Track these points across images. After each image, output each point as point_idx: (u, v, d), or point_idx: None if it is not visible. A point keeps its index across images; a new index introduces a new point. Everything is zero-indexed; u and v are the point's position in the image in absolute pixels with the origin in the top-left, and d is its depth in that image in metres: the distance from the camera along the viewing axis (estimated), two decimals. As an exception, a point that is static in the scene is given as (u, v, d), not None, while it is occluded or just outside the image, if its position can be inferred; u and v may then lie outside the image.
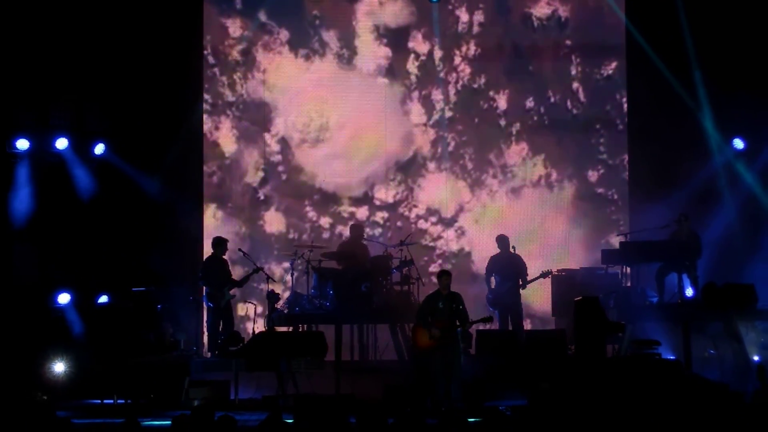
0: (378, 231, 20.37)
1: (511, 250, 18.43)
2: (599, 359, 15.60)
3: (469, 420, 11.21)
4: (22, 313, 18.26)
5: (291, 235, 20.34)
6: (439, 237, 20.58)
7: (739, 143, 19.66)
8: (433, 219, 20.60)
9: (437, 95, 20.63)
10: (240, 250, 18.69)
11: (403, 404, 14.94)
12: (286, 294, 18.45)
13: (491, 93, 20.68)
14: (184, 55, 19.86)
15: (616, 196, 20.59)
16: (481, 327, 17.09)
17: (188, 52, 20.03)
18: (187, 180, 20.07)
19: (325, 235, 20.34)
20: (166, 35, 19.55)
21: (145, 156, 19.62)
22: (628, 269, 18.08)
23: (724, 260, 18.84)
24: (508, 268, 18.34)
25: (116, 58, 19.44)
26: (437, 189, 20.63)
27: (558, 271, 18.87)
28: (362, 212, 20.51)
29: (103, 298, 18.78)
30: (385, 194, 20.59)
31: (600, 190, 20.62)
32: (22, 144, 19.11)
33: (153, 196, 19.53)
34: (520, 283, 18.34)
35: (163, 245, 19.31)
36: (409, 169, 20.64)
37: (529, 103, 20.66)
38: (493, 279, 18.52)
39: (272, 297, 18.02)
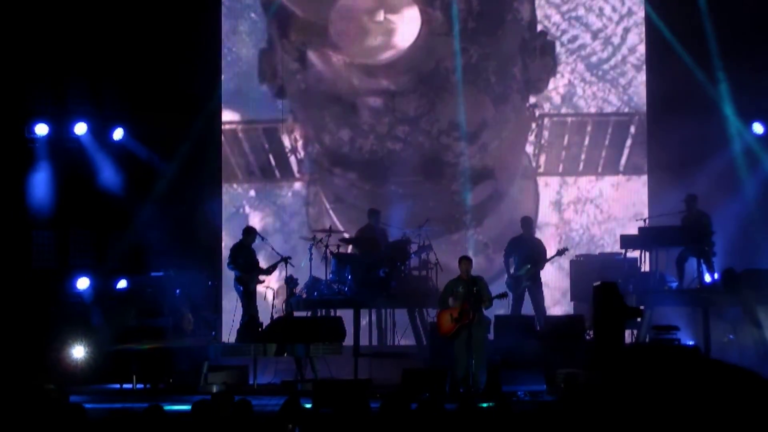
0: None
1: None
2: (618, 345, 15.56)
3: (485, 405, 11.20)
4: (41, 298, 18.34)
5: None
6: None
7: (758, 128, 19.53)
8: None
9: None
10: (263, 238, 18.56)
11: (421, 389, 14.94)
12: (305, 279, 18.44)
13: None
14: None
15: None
16: (498, 313, 17.06)
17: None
18: (205, 162, 20.02)
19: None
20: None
21: (166, 133, 19.54)
22: (647, 254, 18.02)
23: (743, 245, 18.75)
24: (529, 251, 18.19)
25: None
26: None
27: (577, 256, 18.87)
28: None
29: (122, 283, 18.83)
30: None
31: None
32: (41, 129, 19.15)
33: (171, 179, 19.54)
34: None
35: (181, 230, 19.31)
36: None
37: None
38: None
39: (291, 282, 18.02)
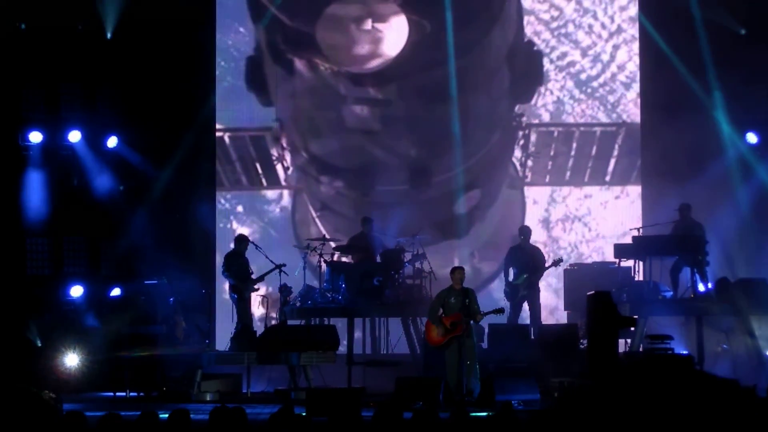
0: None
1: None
2: (611, 354, 15.56)
3: (479, 414, 11.20)
4: (35, 306, 18.31)
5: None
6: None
7: (752, 138, 19.56)
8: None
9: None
10: (256, 246, 18.48)
11: (414, 398, 14.92)
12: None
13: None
14: None
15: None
16: (492, 322, 17.05)
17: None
18: (199, 169, 20.01)
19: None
20: None
21: (159, 141, 19.53)
22: (641, 263, 18.03)
23: (737, 255, 18.78)
24: (527, 260, 18.18)
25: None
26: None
27: (571, 265, 18.89)
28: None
29: (116, 291, 18.81)
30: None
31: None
32: (35, 137, 19.14)
33: (165, 186, 19.53)
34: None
35: (175, 237, 19.30)
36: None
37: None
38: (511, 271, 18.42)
39: (284, 290, 18.01)
